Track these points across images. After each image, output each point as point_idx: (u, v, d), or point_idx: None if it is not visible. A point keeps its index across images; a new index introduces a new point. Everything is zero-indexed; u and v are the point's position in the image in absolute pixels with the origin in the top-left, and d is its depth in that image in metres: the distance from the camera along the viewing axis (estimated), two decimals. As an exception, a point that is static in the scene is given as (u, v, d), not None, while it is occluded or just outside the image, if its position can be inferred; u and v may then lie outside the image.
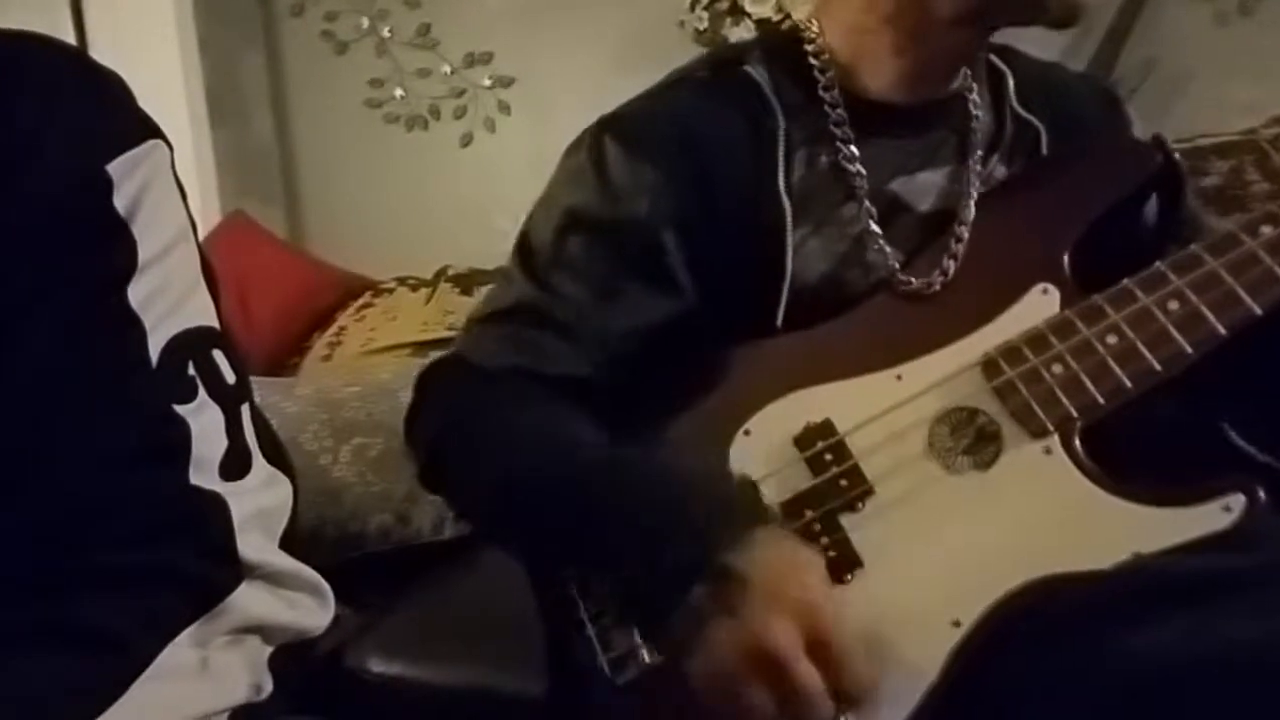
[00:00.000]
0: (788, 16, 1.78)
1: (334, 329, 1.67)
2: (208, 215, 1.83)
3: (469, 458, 0.65)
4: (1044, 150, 0.71)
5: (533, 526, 0.62)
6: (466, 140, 1.97)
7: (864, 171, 0.66)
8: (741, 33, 1.69)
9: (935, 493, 0.58)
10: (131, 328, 0.43)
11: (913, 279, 0.65)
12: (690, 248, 0.66)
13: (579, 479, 0.60)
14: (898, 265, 0.66)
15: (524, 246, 0.69)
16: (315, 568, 0.48)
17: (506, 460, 0.63)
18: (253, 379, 0.49)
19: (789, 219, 0.65)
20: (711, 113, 0.67)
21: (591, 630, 0.60)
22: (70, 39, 1.78)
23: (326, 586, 0.48)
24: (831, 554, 0.58)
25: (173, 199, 0.46)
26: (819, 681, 0.50)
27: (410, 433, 0.69)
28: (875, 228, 0.66)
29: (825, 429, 0.61)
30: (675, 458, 0.61)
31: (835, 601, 0.53)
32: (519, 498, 0.62)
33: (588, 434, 0.63)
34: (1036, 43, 0.76)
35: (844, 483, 0.59)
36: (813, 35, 0.68)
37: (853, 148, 0.66)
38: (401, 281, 1.73)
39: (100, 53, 1.82)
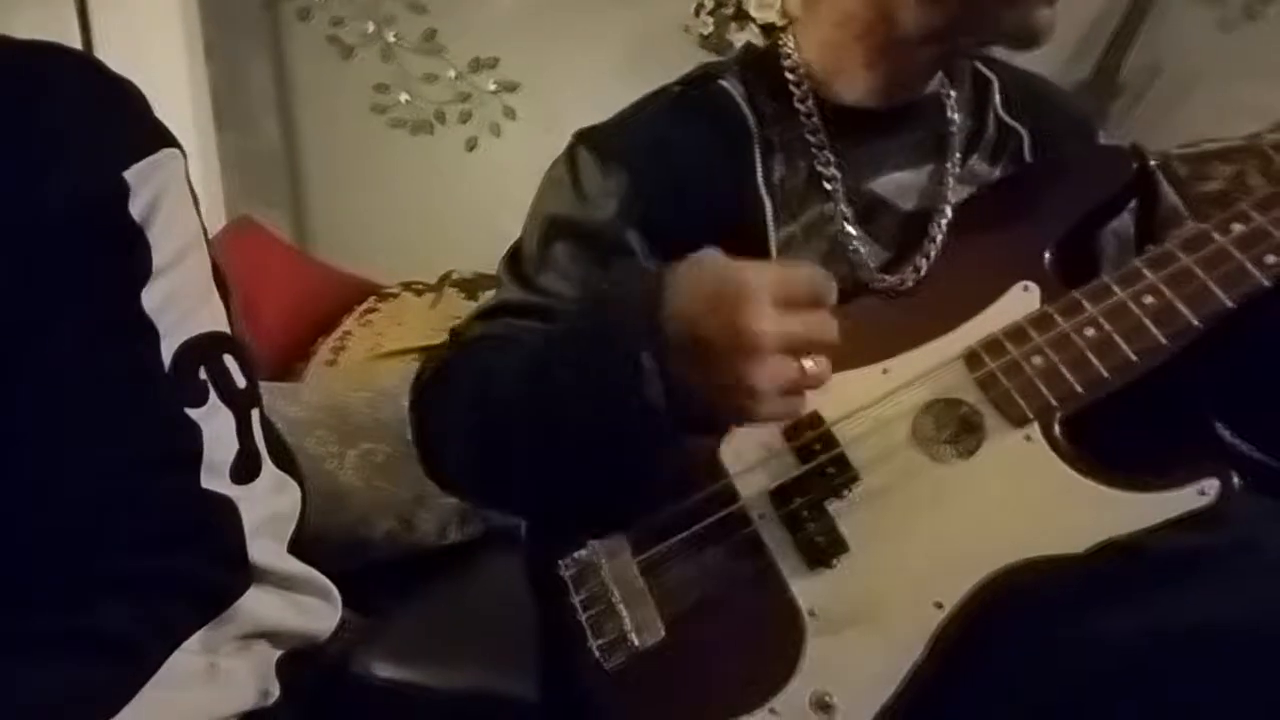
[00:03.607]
0: (793, 20, 1.78)
1: (339, 334, 1.67)
2: (214, 219, 1.84)
3: (445, 405, 0.67)
4: (1027, 156, 0.73)
5: (506, 435, 0.62)
6: (472, 145, 1.97)
7: (839, 175, 0.69)
8: (746, 37, 1.69)
9: (920, 480, 0.60)
10: (145, 332, 0.43)
11: (886, 276, 0.67)
12: (664, 249, 0.67)
13: (535, 368, 0.60)
14: (874, 265, 0.68)
15: (514, 256, 0.73)
16: (320, 572, 0.48)
17: (477, 391, 0.64)
18: (260, 382, 0.49)
19: (770, 216, 0.67)
20: (684, 121, 0.70)
21: (583, 617, 0.62)
22: (77, 44, 1.79)
23: (334, 589, 0.48)
24: (819, 540, 0.60)
25: (186, 206, 0.47)
26: (813, 319, 0.52)
27: (411, 416, 0.71)
28: (851, 229, 0.69)
29: (813, 420, 0.63)
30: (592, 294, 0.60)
31: (755, 265, 0.53)
32: (490, 414, 0.62)
33: (540, 337, 0.63)
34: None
35: (831, 471, 0.61)
36: (789, 50, 0.72)
37: (828, 153, 0.69)
38: (406, 286, 1.74)
39: (107, 57, 1.83)
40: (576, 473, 0.60)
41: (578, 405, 0.56)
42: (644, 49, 1.77)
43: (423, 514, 1.24)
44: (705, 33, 1.71)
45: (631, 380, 0.53)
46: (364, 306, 1.71)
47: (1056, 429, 0.59)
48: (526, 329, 0.67)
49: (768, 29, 1.67)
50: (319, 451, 1.24)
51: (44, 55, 0.46)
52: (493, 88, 1.95)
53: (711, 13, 1.71)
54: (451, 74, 1.95)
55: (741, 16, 1.69)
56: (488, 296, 0.75)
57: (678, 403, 0.54)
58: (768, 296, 0.51)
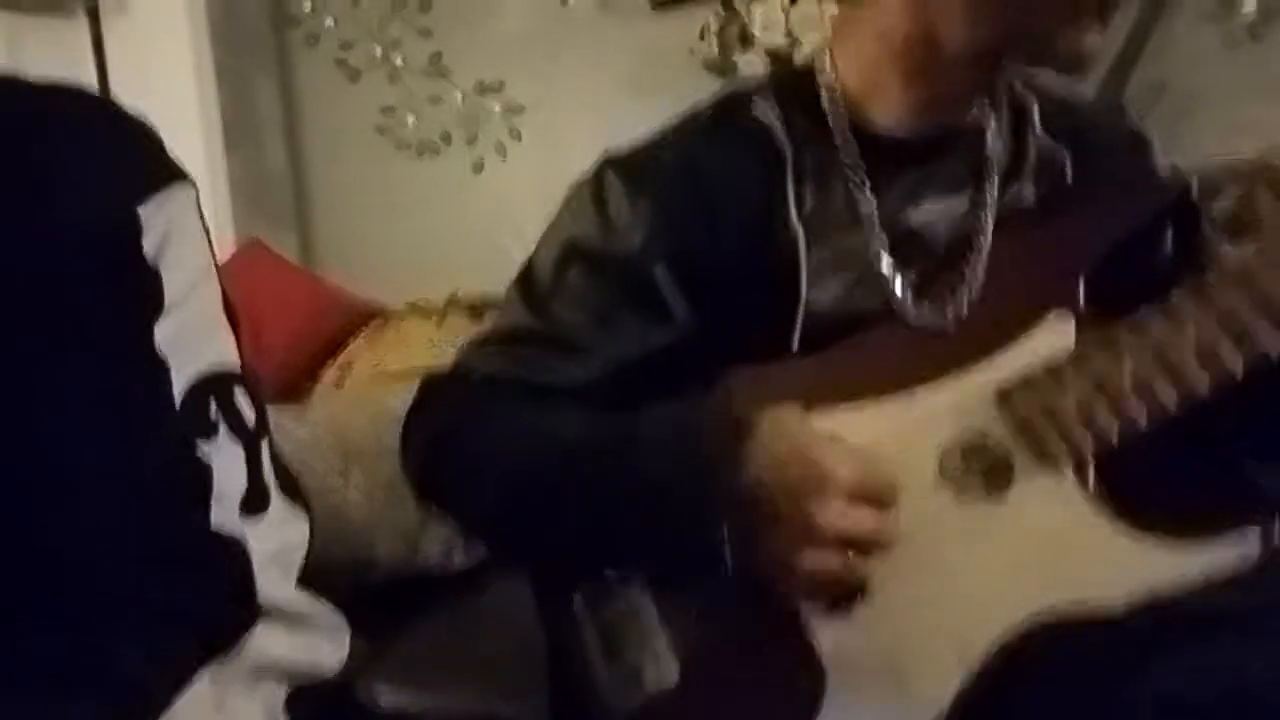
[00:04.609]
0: (797, 43, 1.78)
1: (345, 355, 1.67)
2: (222, 240, 1.85)
3: (465, 459, 0.65)
4: (1069, 178, 0.70)
5: (538, 518, 0.62)
6: (478, 166, 1.98)
7: (875, 205, 0.66)
8: (751, 59, 1.70)
9: (945, 521, 0.58)
10: (157, 368, 0.44)
11: (926, 315, 0.65)
12: (690, 282, 0.66)
13: (578, 463, 0.60)
14: (910, 301, 0.66)
15: (525, 277, 0.71)
16: (323, 594, 0.48)
17: (506, 455, 0.63)
18: (266, 406, 0.49)
19: (802, 246, 0.65)
20: (716, 149, 0.68)
21: (596, 654, 0.61)
22: (90, 66, 1.82)
23: (342, 623, 0.48)
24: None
25: (198, 240, 0.48)
26: (877, 521, 0.55)
27: (405, 445, 0.70)
28: (886, 259, 0.66)
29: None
30: (660, 410, 0.61)
31: (838, 448, 0.56)
32: (522, 490, 0.62)
33: (585, 423, 0.63)
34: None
35: None
36: (824, 71, 0.69)
37: (864, 180, 0.66)
38: (412, 307, 1.74)
39: (119, 79, 1.87)
40: (609, 550, 0.61)
41: (635, 527, 0.58)
42: (649, 72, 1.78)
43: (427, 537, 1.23)
44: (710, 55, 1.72)
45: (704, 543, 0.56)
46: (370, 328, 1.71)
47: (1090, 472, 0.57)
48: (542, 361, 0.66)
49: (772, 52, 1.69)
50: (324, 475, 1.24)
51: (58, 96, 0.47)
52: (498, 110, 1.96)
53: (717, 35, 1.72)
54: (458, 96, 1.97)
55: (746, 39, 1.70)
56: (497, 312, 0.73)
57: (736, 556, 0.56)
58: (845, 490, 0.54)
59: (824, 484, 0.54)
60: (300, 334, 1.69)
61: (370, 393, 1.52)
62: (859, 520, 0.55)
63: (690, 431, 0.58)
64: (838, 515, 0.54)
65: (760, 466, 0.55)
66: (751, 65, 1.69)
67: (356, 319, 1.75)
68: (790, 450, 0.56)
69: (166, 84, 1.88)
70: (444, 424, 0.68)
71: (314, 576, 0.48)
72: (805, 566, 0.55)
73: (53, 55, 1.82)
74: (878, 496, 0.56)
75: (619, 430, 0.61)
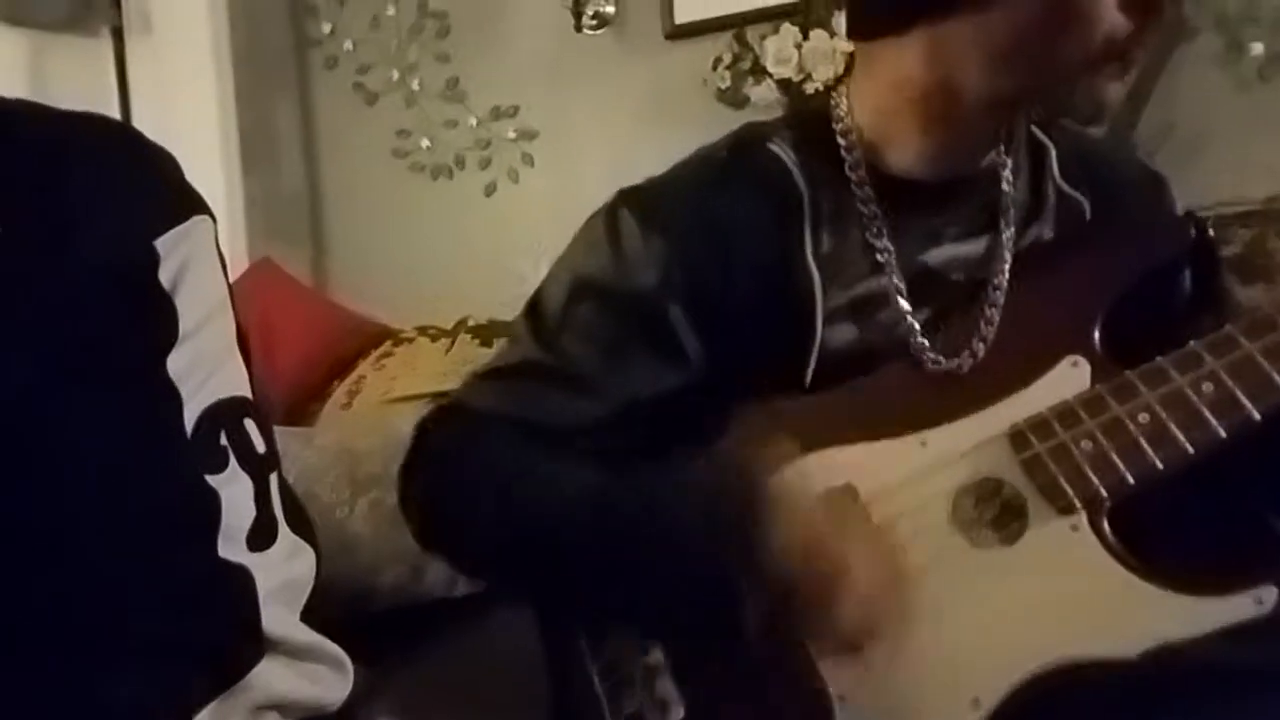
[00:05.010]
0: (809, 76, 1.79)
1: (354, 377, 1.67)
2: (235, 259, 1.86)
3: (464, 502, 0.64)
4: (1088, 221, 0.70)
5: (541, 566, 0.62)
6: (490, 190, 2.00)
7: (891, 248, 0.66)
8: (763, 92, 1.71)
9: (958, 565, 0.58)
10: (169, 398, 0.43)
11: (942, 358, 0.64)
12: (704, 323, 0.66)
13: (586, 516, 0.59)
14: (926, 343, 0.65)
15: (535, 310, 0.70)
16: (326, 621, 0.47)
17: (508, 500, 0.62)
18: (275, 429, 0.49)
19: (818, 288, 0.65)
20: (732, 189, 0.67)
21: (600, 688, 0.60)
22: (112, 84, 1.85)
23: (346, 658, 0.48)
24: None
25: (214, 272, 0.48)
26: (895, 608, 0.56)
27: (404, 486, 0.69)
28: (904, 304, 0.66)
29: (846, 493, 0.60)
30: (674, 481, 0.61)
31: (855, 537, 0.56)
32: (525, 537, 0.61)
33: (589, 475, 0.62)
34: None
35: None
36: (840, 114, 0.68)
37: (880, 225, 0.66)
38: (422, 331, 1.74)
39: (141, 98, 1.89)
40: (617, 606, 0.61)
41: (647, 587, 0.58)
42: (662, 101, 1.79)
43: (431, 565, 1.22)
44: (723, 86, 1.74)
45: (725, 612, 0.55)
46: (379, 350, 1.71)
47: (1105, 521, 0.57)
48: (547, 400, 0.65)
49: (784, 84, 1.71)
50: (330, 499, 1.23)
51: (81, 124, 0.47)
52: (512, 135, 1.98)
53: (729, 67, 1.74)
54: (472, 121, 1.99)
55: (758, 72, 1.72)
56: (503, 344, 0.73)
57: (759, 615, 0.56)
58: (863, 589, 0.54)
59: (843, 583, 0.54)
60: (309, 354, 1.70)
61: (377, 417, 1.52)
62: (878, 614, 0.55)
63: (708, 498, 0.57)
64: (858, 611, 0.54)
65: (780, 550, 0.54)
66: (764, 97, 1.71)
67: (366, 341, 1.75)
68: (808, 541, 0.55)
69: (187, 103, 1.91)
70: (443, 470, 0.67)
71: (316, 604, 0.47)
72: (828, 638, 0.55)
73: (76, 73, 1.85)
74: (896, 584, 0.56)
75: (632, 487, 0.60)
